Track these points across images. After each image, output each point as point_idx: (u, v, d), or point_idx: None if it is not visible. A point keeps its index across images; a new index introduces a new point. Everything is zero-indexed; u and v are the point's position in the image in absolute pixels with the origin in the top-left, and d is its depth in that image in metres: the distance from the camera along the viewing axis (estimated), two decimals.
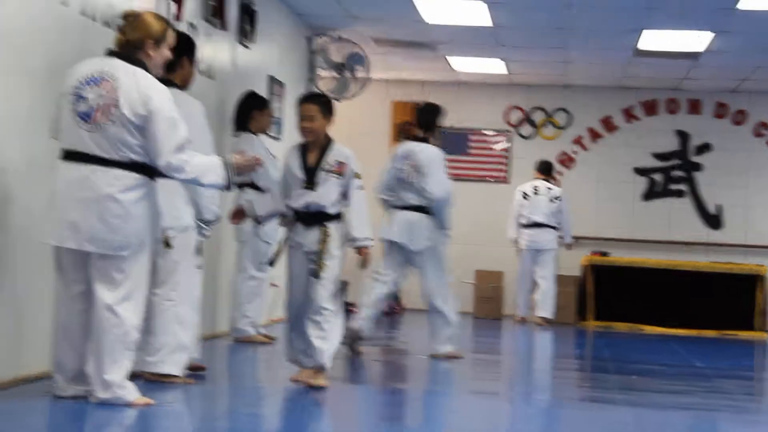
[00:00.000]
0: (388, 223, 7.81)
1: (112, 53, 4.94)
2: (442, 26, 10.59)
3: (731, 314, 12.12)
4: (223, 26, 8.29)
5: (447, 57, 12.29)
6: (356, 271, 6.29)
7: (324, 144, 5.86)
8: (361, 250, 5.93)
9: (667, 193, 13.64)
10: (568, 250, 12.37)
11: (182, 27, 7.36)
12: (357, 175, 5.89)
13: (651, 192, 13.60)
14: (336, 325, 5.76)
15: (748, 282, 12.32)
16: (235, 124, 8.08)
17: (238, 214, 5.90)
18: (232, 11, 8.59)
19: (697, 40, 10.62)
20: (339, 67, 11.11)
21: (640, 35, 10.54)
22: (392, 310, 12.73)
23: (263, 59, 9.53)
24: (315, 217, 5.80)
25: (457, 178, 13.77)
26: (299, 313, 5.85)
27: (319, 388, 5.64)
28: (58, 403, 4.85)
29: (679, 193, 13.65)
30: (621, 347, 10.40)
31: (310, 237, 5.78)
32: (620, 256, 12.86)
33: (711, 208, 13.54)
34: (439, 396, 6.32)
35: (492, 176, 13.85)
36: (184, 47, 5.78)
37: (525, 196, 12.15)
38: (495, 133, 13.89)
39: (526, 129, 13.92)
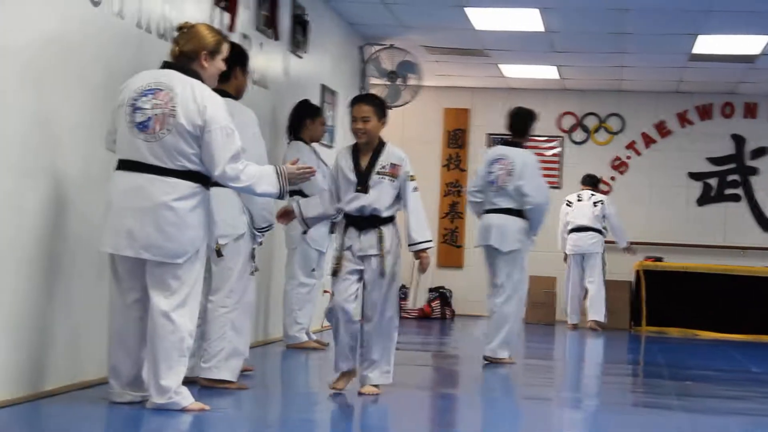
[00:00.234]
0: (480, 228, 7.91)
1: (167, 65, 5.01)
2: (493, 32, 10.58)
3: None
4: (275, 36, 8.35)
5: (499, 65, 12.26)
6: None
7: (377, 146, 5.71)
8: (419, 254, 5.71)
9: (722, 197, 13.49)
10: (631, 255, 12.33)
11: (235, 37, 7.43)
12: (411, 177, 5.74)
13: (706, 197, 13.46)
14: (393, 331, 5.73)
15: None
16: (289, 132, 8.14)
17: (286, 215, 5.80)
18: (285, 21, 8.65)
19: (753, 44, 10.51)
20: (391, 75, 11.15)
21: (695, 40, 10.45)
22: (443, 316, 12.74)
23: (315, 68, 9.59)
24: (368, 221, 5.64)
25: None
26: (354, 320, 5.73)
27: (371, 394, 5.66)
28: (114, 409, 4.91)
29: (734, 198, 13.49)
30: (675, 352, 10.30)
31: (364, 241, 5.63)
32: (674, 262, 12.74)
33: (767, 213, 13.37)
34: (490, 401, 6.30)
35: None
36: (237, 58, 5.84)
37: (569, 203, 12.23)
38: (547, 139, 13.83)
39: (579, 134, 13.85)
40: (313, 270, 8.01)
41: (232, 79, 5.81)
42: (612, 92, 13.67)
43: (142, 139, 4.81)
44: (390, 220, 5.69)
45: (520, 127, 8.04)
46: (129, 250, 4.82)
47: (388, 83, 11.19)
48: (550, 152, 13.83)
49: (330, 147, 9.85)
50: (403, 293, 11.73)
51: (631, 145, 13.70)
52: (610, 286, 12.41)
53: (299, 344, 7.99)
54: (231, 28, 7.32)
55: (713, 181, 13.51)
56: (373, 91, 11.31)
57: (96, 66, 5.49)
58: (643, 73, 12.45)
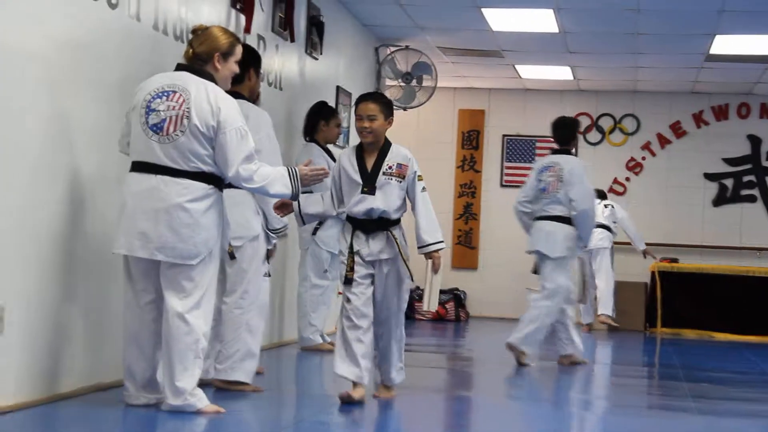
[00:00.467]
0: (532, 234, 8.00)
1: (181, 67, 5.01)
2: (509, 33, 10.57)
3: None
4: (291, 38, 8.35)
5: (515, 65, 12.25)
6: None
7: (383, 146, 5.51)
8: (431, 255, 5.52)
9: (738, 198, 13.43)
10: (651, 258, 12.32)
11: (251, 39, 7.44)
12: (420, 177, 5.53)
13: (722, 198, 13.41)
14: (401, 335, 5.65)
15: None
16: (304, 134, 8.15)
17: (284, 206, 5.55)
18: (300, 23, 8.65)
19: None
20: (406, 77, 11.15)
21: (712, 40, 10.41)
22: (457, 318, 12.72)
23: (331, 70, 9.59)
24: (377, 224, 5.44)
25: (523, 185, 13.77)
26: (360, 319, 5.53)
27: (385, 399, 5.62)
28: (129, 411, 4.93)
29: (750, 199, 13.43)
30: (691, 354, 10.27)
31: (373, 245, 5.45)
32: (690, 263, 12.70)
33: None
34: (505, 404, 6.28)
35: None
36: (251, 60, 5.85)
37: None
38: None
39: (594, 135, 13.82)
40: (326, 271, 8.00)
41: (245, 81, 5.82)
42: (627, 93, 13.64)
43: (156, 141, 4.82)
44: (398, 222, 5.53)
45: (565, 135, 8.17)
46: (143, 252, 4.83)
47: (403, 84, 11.19)
48: None
49: (344, 148, 9.84)
50: (418, 295, 11.71)
51: (646, 146, 13.66)
52: (624, 287, 12.39)
53: (313, 346, 7.99)
54: (247, 29, 7.33)
55: (729, 182, 13.45)
56: (387, 92, 11.33)
57: (113, 68, 5.50)
58: (658, 73, 12.41)
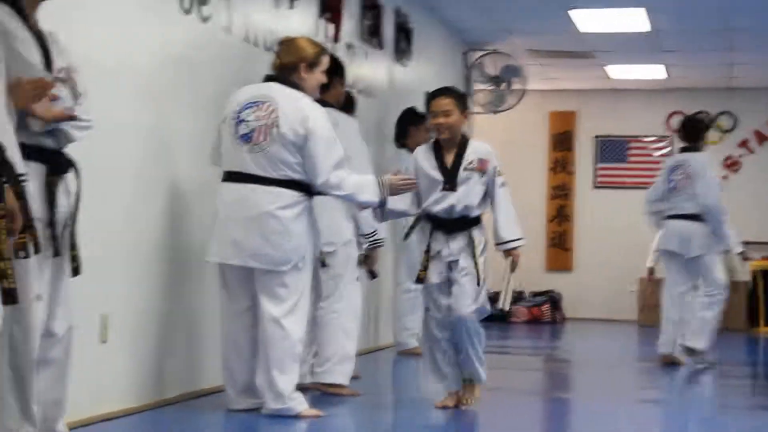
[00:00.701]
0: (664, 233, 7.98)
1: (268, 78, 5.09)
2: (599, 34, 10.47)
3: None
4: (380, 45, 8.40)
5: (604, 66, 12.14)
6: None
7: (461, 141, 5.30)
8: (510, 252, 5.32)
9: None
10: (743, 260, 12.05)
11: (340, 48, 7.50)
12: (499, 172, 5.30)
13: None
14: (480, 339, 5.33)
15: None
16: (395, 140, 8.18)
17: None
18: (389, 30, 8.69)
19: None
20: (495, 80, 11.10)
21: None
22: (553, 319, 12.63)
23: (420, 76, 9.61)
24: (457, 223, 5.24)
25: (617, 186, 13.65)
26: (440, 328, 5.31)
27: (468, 405, 5.35)
28: (231, 416, 5.00)
29: None
30: None
31: (452, 245, 5.22)
32: None
33: None
34: (603, 405, 6.21)
35: (653, 182, 13.52)
36: (335, 69, 5.93)
37: None
38: (655, 140, 13.61)
39: None
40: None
41: (332, 90, 5.87)
42: (722, 90, 13.38)
43: (246, 151, 4.90)
44: (478, 221, 5.30)
45: (693, 134, 8.11)
46: (236, 259, 4.91)
47: (493, 88, 11.15)
48: (659, 153, 13.59)
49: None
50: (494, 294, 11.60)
51: (743, 144, 13.40)
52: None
53: (409, 350, 8.00)
54: (336, 38, 7.40)
55: None
56: (476, 97, 11.33)
57: (206, 80, 5.60)
58: (755, 69, 12.16)
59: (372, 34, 8.22)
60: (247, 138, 4.91)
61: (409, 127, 8.12)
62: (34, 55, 3.64)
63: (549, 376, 8.03)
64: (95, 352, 4.62)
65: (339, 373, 5.73)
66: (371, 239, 6.06)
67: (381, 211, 5.30)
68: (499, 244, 5.32)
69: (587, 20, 9.92)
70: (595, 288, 13.33)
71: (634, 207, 13.33)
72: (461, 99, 5.36)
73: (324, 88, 5.38)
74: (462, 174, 5.22)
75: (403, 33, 9.01)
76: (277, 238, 4.85)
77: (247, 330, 5.03)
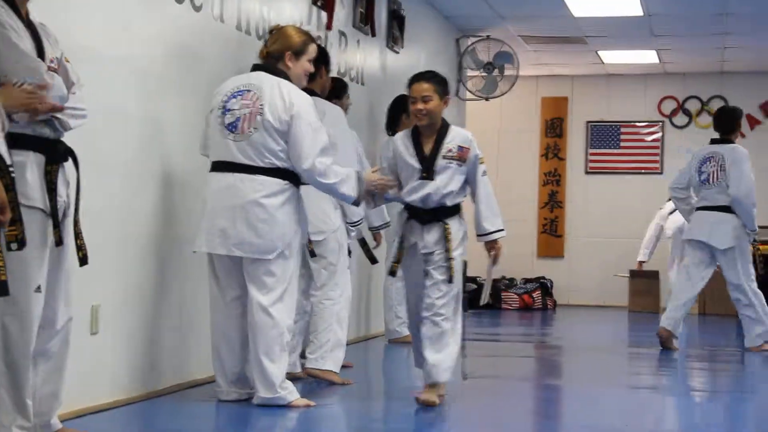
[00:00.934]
0: (693, 224, 8.03)
1: (256, 67, 5.09)
2: (591, 18, 10.47)
3: None
4: (372, 33, 8.37)
5: (598, 51, 12.13)
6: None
7: (440, 128, 5.09)
8: (491, 245, 5.17)
9: None
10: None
11: (333, 35, 7.48)
12: (481, 161, 5.10)
13: None
14: (454, 333, 5.12)
15: None
16: (387, 128, 8.16)
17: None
18: (381, 17, 8.66)
19: None
20: (487, 67, 11.09)
21: None
22: (544, 306, 12.66)
23: (412, 63, 9.58)
24: (433, 213, 5.05)
25: (609, 171, 13.66)
26: (419, 319, 5.17)
27: (429, 405, 5.05)
28: (222, 407, 5.00)
29: None
30: None
31: (427, 237, 5.05)
32: None
33: None
34: (593, 391, 6.22)
35: (645, 168, 13.60)
36: (321, 58, 5.92)
37: (662, 207, 12.09)
38: (647, 124, 13.63)
39: (680, 118, 13.61)
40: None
41: (317, 79, 5.87)
42: (714, 74, 13.39)
43: (232, 140, 4.91)
44: (456, 210, 5.11)
45: (727, 124, 8.21)
46: (222, 249, 4.92)
47: (485, 75, 11.14)
48: (651, 138, 13.62)
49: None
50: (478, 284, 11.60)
51: None
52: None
53: (400, 338, 8.01)
54: (328, 26, 7.37)
55: None
56: (470, 83, 11.31)
57: (199, 69, 5.58)
58: (746, 53, 12.18)
59: (364, 21, 8.19)
60: (232, 127, 4.91)
61: (401, 114, 8.08)
62: (28, 45, 3.67)
63: (540, 363, 8.05)
64: (85, 344, 4.60)
65: (331, 360, 5.76)
66: (356, 225, 6.09)
67: (373, 198, 5.22)
68: (480, 235, 5.16)
69: (581, 4, 9.91)
70: (587, 275, 13.36)
71: (627, 192, 13.45)
72: (442, 84, 5.14)
73: (310, 77, 5.37)
74: (440, 162, 5.04)
75: (396, 20, 8.99)
76: (263, 226, 4.85)
77: (236, 319, 5.03)
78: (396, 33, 9.00)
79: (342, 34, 7.75)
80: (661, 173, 13.42)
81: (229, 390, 5.07)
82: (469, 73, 11.35)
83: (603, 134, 13.71)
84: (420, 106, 5.03)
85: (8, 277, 3.28)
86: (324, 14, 7.31)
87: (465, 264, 5.55)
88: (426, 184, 5.02)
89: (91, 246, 4.00)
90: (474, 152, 5.09)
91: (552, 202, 13.78)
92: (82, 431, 4.13)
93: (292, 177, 4.96)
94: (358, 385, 5.90)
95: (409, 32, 9.31)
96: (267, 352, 4.88)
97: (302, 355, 5.91)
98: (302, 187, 5.08)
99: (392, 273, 5.14)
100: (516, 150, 13.67)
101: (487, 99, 11.30)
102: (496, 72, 11.08)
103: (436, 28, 10.51)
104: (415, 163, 5.06)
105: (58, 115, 3.74)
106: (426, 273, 5.07)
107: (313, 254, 5.53)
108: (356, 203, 5.12)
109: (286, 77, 5.01)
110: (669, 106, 13.63)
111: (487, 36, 11.12)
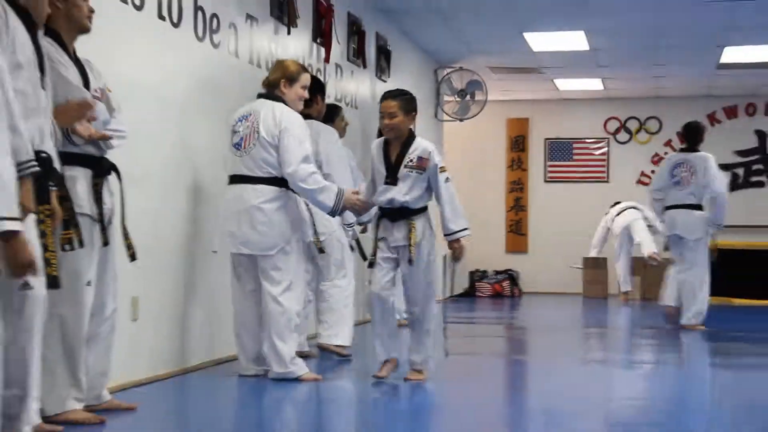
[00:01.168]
0: (668, 221, 8.08)
1: (260, 95, 5.10)
2: (547, 53, 10.48)
3: None
4: (363, 65, 8.37)
5: (553, 79, 12.15)
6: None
7: (405, 140, 4.87)
8: (453, 244, 4.91)
9: (748, 184, 13.18)
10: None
11: (330, 67, 7.48)
12: (442, 169, 4.85)
13: (734, 184, 13.10)
14: (429, 323, 4.98)
15: None
16: None
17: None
18: (371, 52, 8.67)
19: None
20: (461, 93, 11.10)
21: (722, 51, 10.23)
22: (511, 293, 12.65)
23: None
24: (400, 213, 4.85)
25: (564, 180, 13.68)
26: (385, 307, 4.94)
27: (416, 380, 4.97)
28: (242, 381, 5.00)
29: (759, 184, 13.18)
30: (713, 318, 10.05)
31: (396, 233, 4.86)
32: (724, 239, 12.39)
33: None
34: (554, 365, 6.22)
35: (594, 177, 13.62)
36: (317, 87, 5.96)
37: (607, 212, 12.18)
38: (595, 141, 13.66)
39: (623, 135, 13.64)
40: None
41: (314, 105, 5.91)
42: (650, 98, 13.43)
43: (238, 156, 4.94)
44: (422, 211, 4.89)
45: (692, 136, 8.26)
46: (232, 248, 4.95)
47: (459, 100, 11.15)
48: (599, 152, 13.64)
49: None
50: (477, 276, 11.63)
51: (668, 143, 13.44)
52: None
53: (402, 322, 7.99)
54: (326, 59, 7.37)
55: (740, 171, 13.19)
56: (446, 107, 11.30)
57: (218, 96, 5.58)
58: (676, 81, 12.21)
59: (357, 55, 8.20)
60: (238, 146, 4.95)
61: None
62: (74, 77, 3.70)
63: (509, 342, 8.04)
64: (127, 329, 4.60)
65: (342, 337, 5.90)
66: (351, 226, 6.12)
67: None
68: (446, 235, 4.93)
69: (539, 41, 9.93)
70: (547, 266, 13.37)
71: (579, 198, 13.47)
72: (407, 102, 4.90)
73: (308, 103, 5.38)
74: (402, 170, 4.83)
75: (383, 54, 8.99)
76: (263, 227, 4.87)
77: (253, 308, 5.03)
78: (383, 65, 9.00)
79: (338, 66, 7.75)
80: (607, 181, 13.46)
81: (249, 367, 5.07)
82: (446, 98, 11.35)
83: (558, 149, 13.72)
84: (387, 121, 4.84)
85: (63, 273, 3.29)
86: (323, 50, 7.32)
87: (445, 258, 5.52)
88: (390, 189, 4.84)
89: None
90: (433, 162, 4.85)
91: (517, 206, 13.78)
92: (127, 402, 4.13)
93: (286, 184, 4.93)
94: (357, 360, 5.89)
95: (394, 64, 9.31)
96: (278, 334, 4.88)
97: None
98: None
99: (371, 265, 4.93)
100: (486, 163, 13.68)
101: (461, 120, 11.31)
102: (468, 97, 11.09)
103: (417, 61, 10.51)
104: (383, 170, 4.89)
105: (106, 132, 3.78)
106: (397, 264, 4.91)
107: (322, 251, 5.55)
108: (332, 214, 4.97)
109: (282, 101, 5.01)
110: (613, 125, 13.65)
111: (460, 67, 11.12)
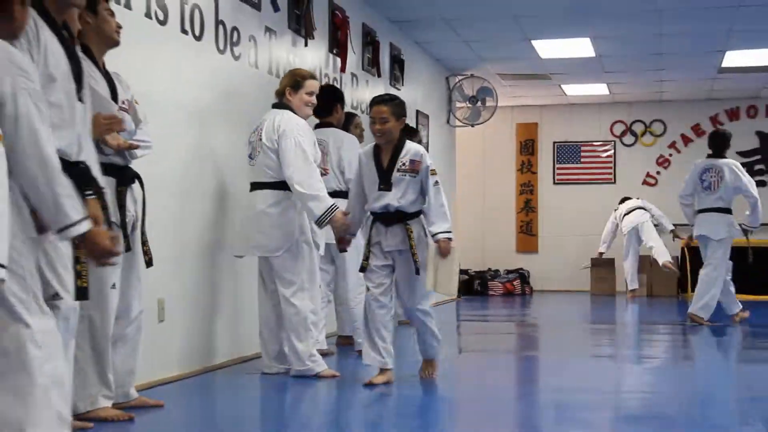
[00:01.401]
0: (698, 222, 8.14)
1: (273, 105, 5.12)
2: (555, 60, 10.45)
3: None
4: (378, 74, 8.37)
5: (561, 85, 12.12)
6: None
7: (397, 144, 4.69)
8: (439, 242, 4.68)
9: None
10: (677, 238, 12.00)
11: (346, 77, 7.48)
12: (433, 171, 4.69)
13: None
14: (431, 322, 4.86)
15: None
16: None
17: (347, 242, 4.98)
18: (385, 61, 8.67)
19: None
20: (472, 99, 11.09)
21: (724, 56, 10.18)
22: (522, 292, 12.63)
23: (411, 97, 9.59)
24: (395, 217, 4.68)
25: (572, 182, 13.63)
26: (379, 312, 4.76)
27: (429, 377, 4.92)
28: (265, 378, 5.01)
29: (761, 184, 12.95)
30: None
31: (390, 237, 4.69)
32: None
33: None
34: (564, 359, 6.20)
35: (601, 178, 13.57)
36: (337, 97, 5.95)
37: (617, 208, 12.15)
38: (602, 143, 13.60)
39: (628, 138, 13.58)
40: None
41: (334, 113, 5.91)
42: (654, 102, 13.37)
43: (251, 165, 5.00)
44: (417, 215, 4.73)
45: (719, 144, 8.26)
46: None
47: (470, 106, 11.13)
48: (605, 154, 13.59)
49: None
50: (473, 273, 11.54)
51: (672, 145, 13.39)
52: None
53: (406, 321, 7.98)
54: (342, 69, 7.37)
55: None
56: (458, 113, 11.29)
57: (239, 106, 5.59)
58: (680, 85, 12.15)
59: (372, 64, 8.20)
60: (250, 156, 5.02)
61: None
62: (104, 90, 3.73)
63: (520, 338, 8.02)
64: (154, 330, 4.62)
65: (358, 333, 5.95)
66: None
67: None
68: (431, 236, 4.76)
69: (546, 49, 9.90)
70: (557, 266, 13.33)
71: (587, 199, 13.42)
72: (398, 107, 4.72)
73: (329, 112, 5.39)
74: (395, 175, 4.66)
75: (397, 63, 8.99)
76: (270, 230, 4.89)
77: (274, 308, 5.05)
78: (397, 73, 9.00)
79: (354, 75, 7.75)
80: (614, 182, 13.40)
81: (271, 365, 5.08)
82: (458, 104, 11.34)
83: (567, 152, 13.69)
84: (378, 126, 4.65)
85: (91, 278, 3.29)
86: (339, 60, 7.32)
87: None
88: (385, 195, 4.66)
89: (156, 250, 4.02)
90: (425, 164, 4.68)
91: (527, 207, 13.75)
92: (155, 399, 4.14)
93: (288, 187, 4.88)
94: None
95: (407, 73, 9.31)
96: (295, 333, 4.90)
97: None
98: None
99: (362, 269, 4.76)
100: (497, 166, 13.66)
101: (472, 126, 11.29)
102: (479, 103, 11.07)
103: (430, 69, 10.51)
104: (374, 177, 4.70)
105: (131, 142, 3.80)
106: (393, 269, 4.73)
107: (343, 250, 5.22)
108: (317, 224, 4.81)
109: (289, 108, 5.01)
110: (619, 129, 13.60)
111: (471, 74, 11.11)
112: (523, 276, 12.89)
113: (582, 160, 13.61)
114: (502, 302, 11.57)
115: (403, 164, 4.66)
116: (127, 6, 4.44)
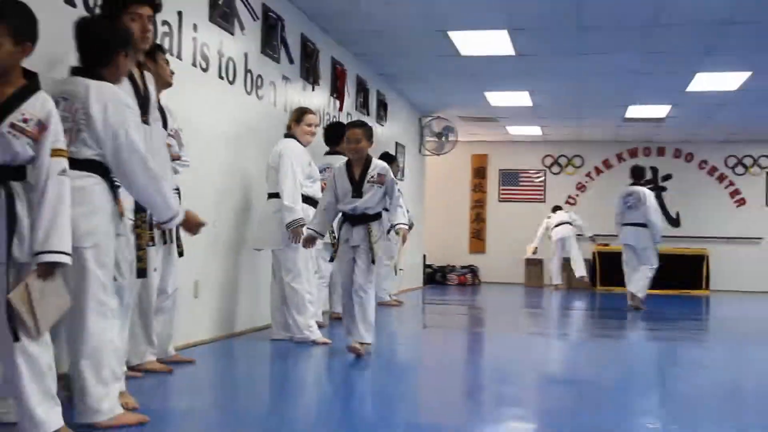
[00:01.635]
0: (623, 234, 8.32)
1: (284, 135, 5.09)
2: (502, 107, 10.46)
3: (685, 280, 11.75)
4: (368, 113, 8.35)
5: (506, 126, 12.14)
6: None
7: (366, 161, 4.56)
8: (400, 230, 4.69)
9: None
10: (594, 242, 12.12)
11: (343, 116, 7.45)
12: (395, 182, 4.61)
13: None
14: (371, 302, 4.59)
15: (696, 260, 11.91)
16: None
17: (312, 240, 4.66)
18: (373, 103, 8.65)
19: (660, 110, 10.27)
20: (438, 135, 11.08)
21: (627, 109, 10.24)
22: (473, 283, 12.61)
23: (392, 132, 9.59)
24: (360, 218, 4.54)
25: (512, 200, 13.65)
26: (350, 293, 4.61)
27: (358, 353, 4.51)
28: (274, 343, 4.95)
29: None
30: (615, 300, 10.03)
31: (355, 235, 4.53)
32: (615, 245, 12.36)
33: (673, 214, 13.02)
34: (505, 336, 6.19)
35: (534, 198, 13.60)
36: (341, 131, 5.91)
37: (549, 216, 12.05)
38: (536, 172, 13.63)
39: (555, 168, 13.61)
40: (392, 257, 8.01)
41: (340, 143, 5.85)
42: (575, 141, 13.41)
43: (266, 180, 4.98)
44: (377, 217, 4.57)
45: (638, 174, 8.48)
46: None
47: (437, 140, 11.12)
48: (538, 180, 13.62)
49: (401, 180, 9.82)
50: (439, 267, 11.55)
51: (588, 175, 13.43)
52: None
53: (385, 302, 7.96)
54: (340, 109, 7.35)
55: None
56: (426, 145, 11.27)
57: (262, 136, 5.55)
58: (594, 129, 12.21)
59: (363, 106, 8.18)
60: (267, 176, 4.99)
61: (385, 160, 8.05)
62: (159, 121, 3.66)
63: (471, 318, 8.00)
64: (191, 304, 4.57)
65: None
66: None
67: (320, 235, 4.70)
68: (392, 226, 4.75)
69: (495, 98, 9.91)
70: (500, 263, 13.34)
71: (523, 214, 13.44)
72: (369, 131, 4.58)
73: (335, 143, 5.37)
74: (366, 185, 4.52)
75: (382, 105, 8.97)
76: (275, 229, 4.86)
77: (280, 290, 4.99)
78: (382, 113, 8.98)
79: (349, 114, 7.72)
80: (544, 202, 13.41)
81: (279, 332, 5.03)
82: (427, 138, 11.32)
83: (509, 177, 13.71)
84: (353, 146, 4.52)
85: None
86: (338, 102, 7.30)
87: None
88: (356, 200, 4.51)
89: (192, 242, 3.97)
90: (389, 177, 4.55)
91: (478, 218, 13.75)
92: (188, 357, 4.09)
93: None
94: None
95: (390, 113, 9.29)
96: (296, 309, 4.87)
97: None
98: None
99: (332, 259, 4.92)
100: (456, 187, 13.66)
101: (438, 155, 11.28)
102: (444, 138, 11.07)
103: (406, 110, 10.50)
104: (347, 186, 4.54)
105: (172, 165, 3.77)
106: (354, 260, 4.57)
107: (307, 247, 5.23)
108: (286, 227, 4.75)
109: (293, 137, 4.99)
110: (549, 161, 13.63)
111: (438, 116, 11.11)
112: (473, 271, 12.89)
113: (520, 183, 13.64)
114: (458, 290, 11.55)
115: (372, 177, 4.53)
116: (179, 57, 4.40)
